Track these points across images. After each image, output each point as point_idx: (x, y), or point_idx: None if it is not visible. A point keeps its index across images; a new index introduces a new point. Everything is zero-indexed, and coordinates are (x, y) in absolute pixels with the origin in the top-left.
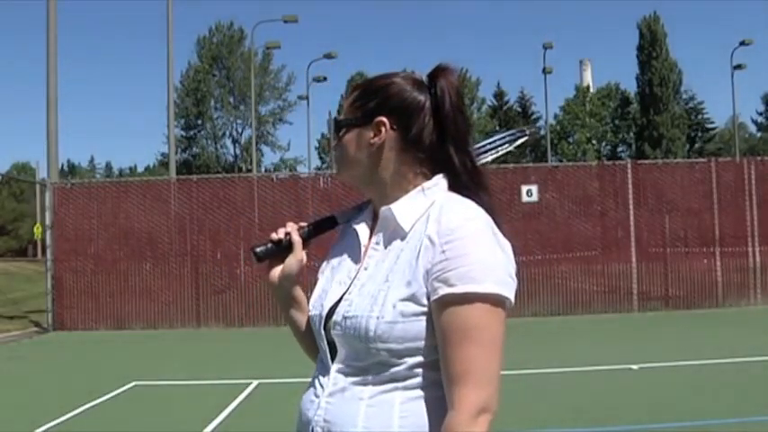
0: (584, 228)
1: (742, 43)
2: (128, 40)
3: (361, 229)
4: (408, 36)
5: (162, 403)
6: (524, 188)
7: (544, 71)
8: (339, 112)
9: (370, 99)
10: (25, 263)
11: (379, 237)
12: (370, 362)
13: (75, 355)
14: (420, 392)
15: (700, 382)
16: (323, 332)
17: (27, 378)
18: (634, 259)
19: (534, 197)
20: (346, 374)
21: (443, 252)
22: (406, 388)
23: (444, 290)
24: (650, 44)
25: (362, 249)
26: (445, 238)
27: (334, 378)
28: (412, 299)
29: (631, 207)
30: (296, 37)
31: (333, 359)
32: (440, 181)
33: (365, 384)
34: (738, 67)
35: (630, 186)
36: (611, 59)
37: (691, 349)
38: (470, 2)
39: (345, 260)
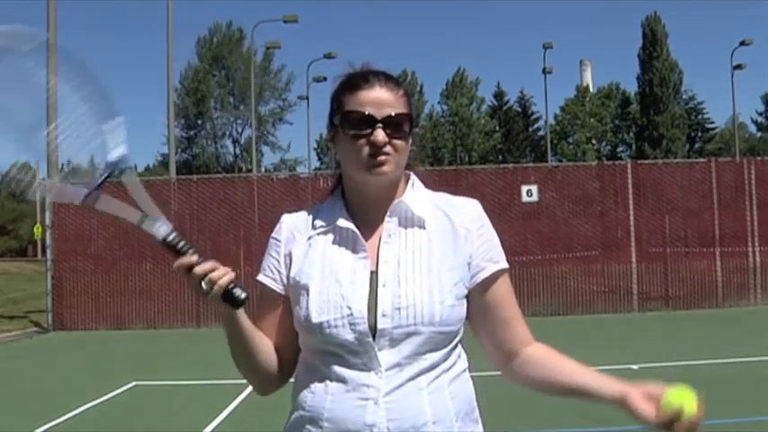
0: (585, 228)
1: (742, 43)
2: (127, 40)
3: (352, 226)
4: (408, 36)
5: (162, 403)
6: (524, 188)
7: (544, 71)
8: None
9: (411, 102)
10: (25, 263)
11: (390, 230)
12: (423, 350)
13: (75, 355)
14: (457, 370)
15: (700, 382)
16: (367, 330)
17: (27, 378)
18: (634, 259)
19: (534, 197)
20: (401, 368)
21: (480, 236)
22: (448, 369)
23: (493, 267)
24: (651, 44)
25: (364, 245)
26: (476, 224)
27: (387, 377)
28: (461, 283)
29: (631, 207)
30: (296, 37)
31: (368, 360)
32: (413, 175)
33: (420, 375)
34: (738, 67)
35: (630, 186)
36: (612, 59)
37: (691, 349)
38: (470, 2)
39: (342, 259)
